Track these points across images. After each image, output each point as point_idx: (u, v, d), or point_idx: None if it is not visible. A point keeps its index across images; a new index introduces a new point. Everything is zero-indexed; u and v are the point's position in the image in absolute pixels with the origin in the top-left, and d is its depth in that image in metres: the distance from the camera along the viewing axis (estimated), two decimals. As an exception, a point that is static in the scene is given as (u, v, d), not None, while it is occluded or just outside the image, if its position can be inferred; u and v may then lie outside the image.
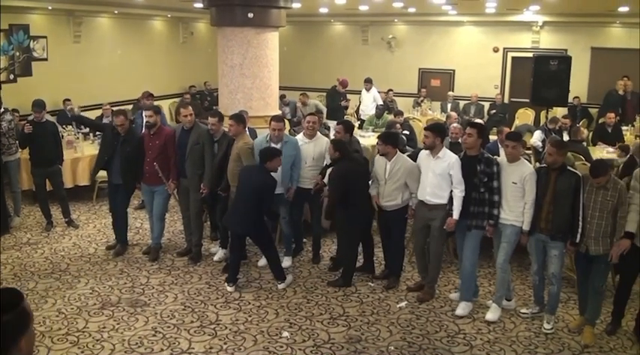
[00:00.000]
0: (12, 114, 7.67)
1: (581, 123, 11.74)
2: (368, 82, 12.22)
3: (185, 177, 6.35)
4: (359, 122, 11.91)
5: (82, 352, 4.64)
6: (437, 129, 5.49)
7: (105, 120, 9.08)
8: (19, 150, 7.50)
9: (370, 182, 5.93)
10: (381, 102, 11.90)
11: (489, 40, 14.63)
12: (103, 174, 6.86)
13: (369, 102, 12.11)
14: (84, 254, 6.71)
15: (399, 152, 5.76)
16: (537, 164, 7.37)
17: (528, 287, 5.82)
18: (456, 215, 5.25)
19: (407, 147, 8.32)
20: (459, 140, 6.98)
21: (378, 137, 5.99)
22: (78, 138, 9.20)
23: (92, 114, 9.86)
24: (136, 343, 4.79)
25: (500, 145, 6.73)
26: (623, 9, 11.21)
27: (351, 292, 5.82)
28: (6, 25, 9.91)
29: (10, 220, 7.47)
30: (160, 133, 6.34)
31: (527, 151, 8.37)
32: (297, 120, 11.24)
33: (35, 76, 10.82)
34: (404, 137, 8.71)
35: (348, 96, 12.08)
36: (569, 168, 5.03)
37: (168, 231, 7.28)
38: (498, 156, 6.12)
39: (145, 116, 6.55)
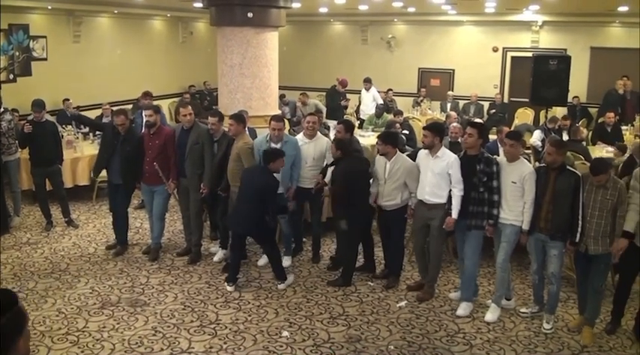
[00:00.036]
0: (12, 114, 7.66)
1: (580, 123, 11.73)
2: (367, 82, 12.22)
3: (185, 177, 6.35)
4: (359, 122, 11.90)
5: (82, 352, 4.65)
6: (436, 129, 5.49)
7: (105, 120, 9.08)
8: (19, 149, 7.50)
9: (371, 181, 5.94)
10: (381, 102, 11.91)
11: (489, 39, 14.63)
12: (102, 173, 6.86)
13: (368, 102, 12.12)
14: (84, 254, 6.72)
15: (398, 152, 5.77)
16: (537, 163, 7.37)
17: (528, 286, 5.82)
18: (454, 214, 5.26)
19: (406, 147, 8.33)
20: (459, 140, 6.99)
21: (378, 137, 6.00)
22: (78, 137, 9.21)
23: (92, 114, 9.85)
24: (136, 342, 4.80)
25: (499, 145, 6.75)
26: (623, 9, 11.22)
27: (351, 291, 5.83)
28: (6, 24, 9.91)
29: (9, 220, 7.47)
30: (160, 133, 6.34)
31: (527, 151, 8.37)
32: (296, 120, 11.23)
33: (35, 76, 10.82)
34: (403, 137, 8.72)
35: (348, 95, 12.09)
36: (568, 167, 5.04)
37: (168, 230, 7.28)
38: (498, 155, 6.13)
39: (145, 115, 6.56)
